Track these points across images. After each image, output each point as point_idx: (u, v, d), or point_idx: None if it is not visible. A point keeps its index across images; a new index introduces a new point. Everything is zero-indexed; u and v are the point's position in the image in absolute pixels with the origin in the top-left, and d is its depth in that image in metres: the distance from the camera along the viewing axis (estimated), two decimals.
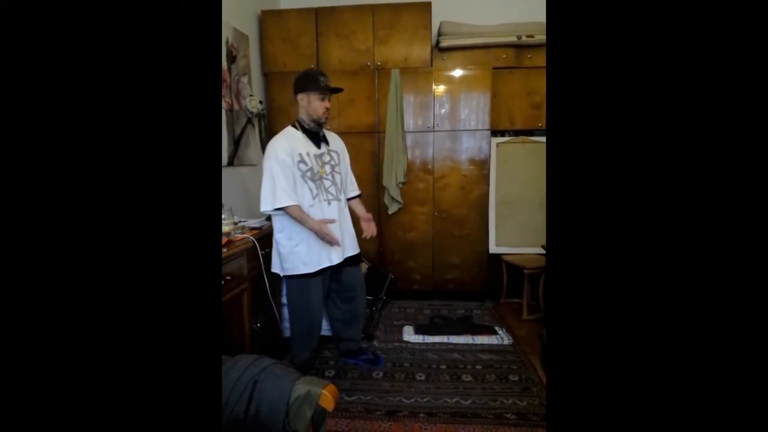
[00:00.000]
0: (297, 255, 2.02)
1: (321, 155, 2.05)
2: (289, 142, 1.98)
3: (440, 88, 3.21)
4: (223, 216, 2.00)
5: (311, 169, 1.99)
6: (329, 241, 2.00)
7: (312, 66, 3.23)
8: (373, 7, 3.17)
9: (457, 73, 3.20)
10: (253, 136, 3.10)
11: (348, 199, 2.22)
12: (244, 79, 2.97)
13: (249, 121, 3.01)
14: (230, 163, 2.75)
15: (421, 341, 2.67)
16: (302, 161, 1.97)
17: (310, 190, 1.99)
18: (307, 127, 2.04)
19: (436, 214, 3.31)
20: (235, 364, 1.27)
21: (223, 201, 1.81)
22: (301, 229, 2.00)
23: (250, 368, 1.26)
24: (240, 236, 2.02)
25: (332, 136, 2.17)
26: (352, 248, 2.18)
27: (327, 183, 2.04)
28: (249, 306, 2.05)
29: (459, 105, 3.22)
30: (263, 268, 2.14)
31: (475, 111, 3.21)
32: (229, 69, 2.76)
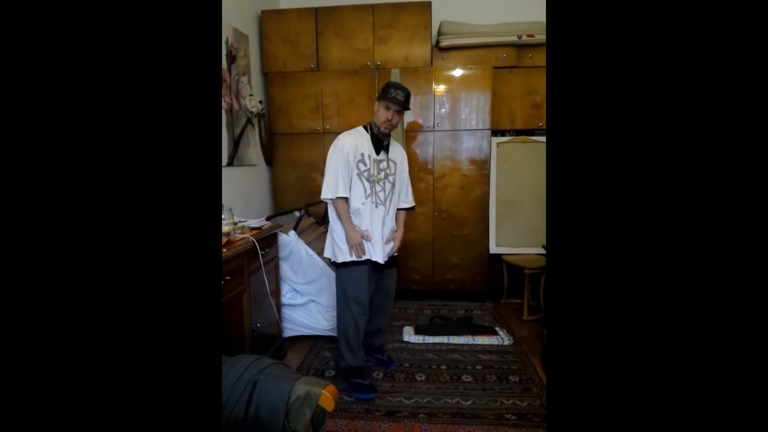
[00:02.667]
0: (342, 242, 2.12)
1: (380, 161, 2.11)
2: (355, 140, 2.08)
3: (440, 88, 3.21)
4: (222, 216, 2.00)
5: (369, 170, 2.07)
6: (355, 251, 2.07)
7: (310, 67, 3.23)
8: (373, 7, 3.17)
9: (458, 72, 3.20)
10: (253, 136, 3.10)
11: (399, 209, 2.24)
12: (244, 79, 2.97)
13: (249, 121, 3.01)
14: (230, 163, 2.75)
15: (421, 341, 2.67)
16: (362, 161, 2.07)
17: (364, 189, 2.07)
18: (375, 131, 2.10)
19: (437, 214, 3.31)
20: (235, 364, 1.27)
21: (223, 201, 1.81)
22: (354, 220, 2.11)
23: (249, 368, 1.26)
24: (240, 236, 2.02)
25: (396, 147, 2.21)
26: (387, 253, 2.18)
27: (378, 188, 2.10)
28: (249, 306, 2.04)
29: (459, 104, 3.21)
30: (263, 268, 2.14)
31: (475, 111, 3.21)
32: (229, 69, 2.76)
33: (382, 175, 2.11)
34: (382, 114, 2.03)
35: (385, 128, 2.05)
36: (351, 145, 2.05)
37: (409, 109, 2.10)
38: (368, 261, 2.10)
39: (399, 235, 2.24)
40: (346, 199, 2.05)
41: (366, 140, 2.09)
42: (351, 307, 2.12)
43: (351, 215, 2.09)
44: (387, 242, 2.16)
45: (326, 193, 2.05)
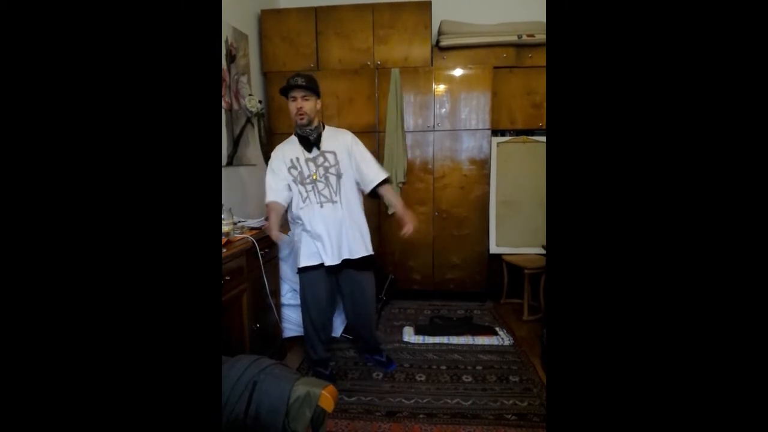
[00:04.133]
0: (300, 249, 2.15)
1: (314, 158, 2.08)
2: (283, 149, 2.12)
3: (440, 88, 3.21)
4: (222, 216, 2.00)
5: (301, 173, 2.06)
6: (271, 233, 2.02)
7: (310, 67, 3.23)
8: (373, 6, 3.17)
9: (458, 72, 3.20)
10: (253, 136, 3.10)
11: (376, 188, 2.14)
12: (244, 79, 2.97)
13: (248, 120, 3.01)
14: (229, 163, 2.75)
15: (421, 342, 2.66)
16: (293, 166, 2.08)
17: (299, 193, 2.08)
18: (299, 132, 2.09)
19: (436, 214, 3.31)
20: (235, 364, 1.27)
21: (223, 201, 1.80)
22: (295, 227, 2.17)
23: (249, 369, 1.25)
24: (239, 236, 2.02)
25: (332, 137, 2.12)
26: (349, 252, 2.12)
27: (321, 185, 2.07)
28: (248, 306, 2.04)
29: (459, 104, 3.21)
30: (263, 268, 2.14)
31: (475, 110, 3.20)
32: (229, 68, 2.75)
33: (321, 171, 2.06)
34: (290, 108, 2.01)
35: (300, 119, 2.00)
36: (279, 156, 2.10)
37: (310, 88, 1.98)
38: (321, 264, 2.10)
39: (401, 210, 2.14)
40: (275, 203, 2.07)
41: (294, 145, 2.10)
42: (309, 309, 2.18)
43: (294, 221, 2.16)
44: (402, 231, 2.10)
45: (267, 198, 2.09)
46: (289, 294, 2.61)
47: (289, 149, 2.10)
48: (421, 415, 1.92)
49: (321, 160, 2.07)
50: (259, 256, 2.10)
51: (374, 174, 2.13)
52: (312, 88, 2.00)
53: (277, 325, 2.42)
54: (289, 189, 2.09)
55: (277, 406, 1.17)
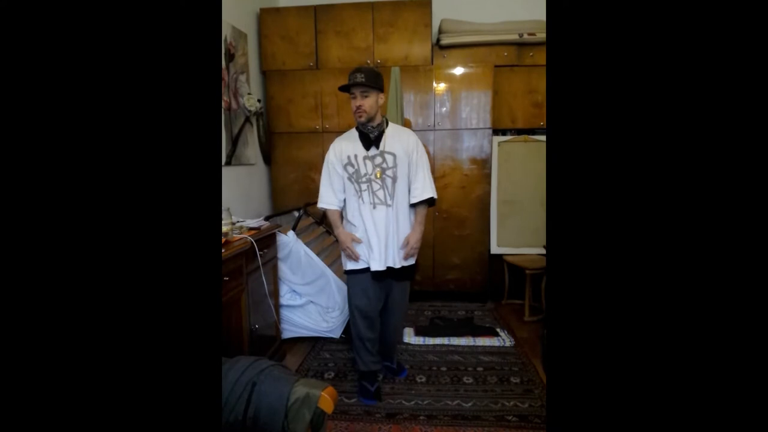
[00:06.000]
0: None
1: (372, 157, 1.95)
2: (341, 144, 2.00)
3: (441, 87, 3.19)
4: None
5: (357, 171, 1.95)
6: (347, 255, 2.01)
7: (309, 65, 3.21)
8: (373, 5, 3.16)
9: (458, 71, 3.18)
10: (252, 135, 3.08)
11: (412, 204, 2.02)
12: (243, 78, 2.95)
13: (247, 119, 2.99)
14: (228, 163, 2.73)
15: (421, 343, 2.64)
16: (350, 163, 1.96)
17: (355, 192, 1.97)
18: (360, 128, 1.98)
19: (437, 213, 3.29)
20: (234, 365, 1.26)
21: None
22: (349, 228, 2.03)
23: (248, 370, 1.24)
24: (238, 236, 2.00)
25: (396, 138, 1.98)
26: (393, 260, 1.99)
27: (376, 186, 1.94)
28: (247, 307, 2.02)
29: (460, 103, 3.20)
30: (262, 268, 2.12)
31: (476, 109, 3.19)
32: (228, 67, 2.74)
33: (377, 171, 1.94)
34: (351, 105, 1.92)
35: (358, 117, 1.90)
36: (336, 150, 1.99)
37: (372, 86, 1.86)
38: (368, 269, 1.98)
39: (412, 236, 2.00)
40: (334, 210, 2.03)
41: (353, 140, 1.98)
42: (355, 315, 2.06)
43: (349, 221, 2.02)
44: (402, 246, 2.00)
45: (319, 203, 2.05)
46: (288, 295, 2.59)
47: (347, 145, 1.98)
48: (421, 417, 1.90)
49: (379, 160, 1.94)
50: (258, 256, 2.08)
51: (421, 189, 2.00)
52: (372, 84, 1.86)
53: (276, 326, 2.40)
54: (344, 190, 2.00)
55: (276, 408, 1.16)
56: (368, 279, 2.00)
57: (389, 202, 1.95)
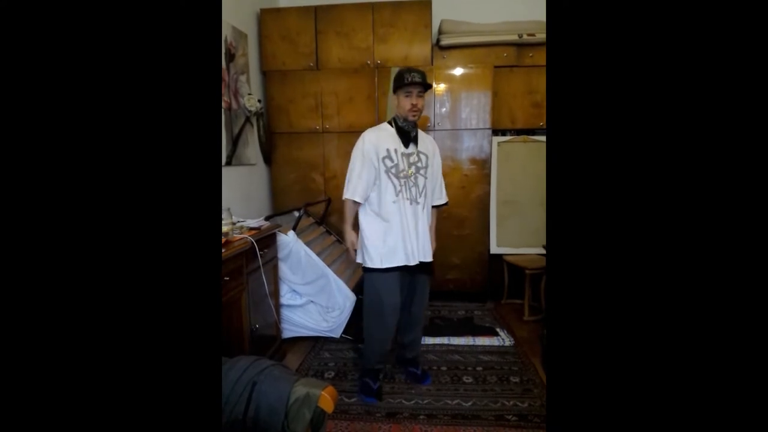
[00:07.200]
0: (375, 248, 1.99)
1: (409, 155, 1.99)
2: (378, 136, 1.99)
3: (441, 87, 3.19)
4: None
5: (396, 165, 1.96)
6: (350, 252, 2.06)
7: (309, 66, 3.21)
8: (373, 5, 3.16)
9: (458, 71, 3.18)
10: (252, 136, 3.08)
11: (433, 206, 2.13)
12: (243, 78, 2.95)
13: (247, 120, 2.99)
14: (228, 163, 2.73)
15: (421, 343, 2.64)
16: (388, 157, 1.96)
17: (394, 186, 1.96)
18: (400, 124, 2.00)
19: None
20: (234, 365, 1.26)
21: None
22: (379, 222, 1.99)
23: (249, 369, 1.24)
24: (238, 236, 2.00)
25: (426, 139, 2.09)
26: (424, 255, 2.05)
27: (410, 183, 1.99)
28: (247, 307, 2.02)
29: (460, 104, 3.20)
30: (262, 268, 2.12)
31: (475, 110, 3.19)
32: (228, 67, 2.74)
33: (413, 169, 1.99)
34: (404, 103, 1.94)
35: (413, 116, 1.94)
36: (374, 142, 1.96)
37: (426, 85, 1.93)
38: (402, 267, 1.99)
39: (431, 235, 2.10)
40: (358, 204, 2.00)
41: (391, 135, 1.99)
42: (386, 314, 2.01)
43: (382, 216, 1.99)
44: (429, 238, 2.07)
45: (345, 193, 2.00)
46: (288, 295, 2.60)
47: (386, 139, 1.98)
48: (421, 416, 1.90)
49: (415, 158, 2.00)
50: (258, 256, 2.08)
51: (439, 193, 2.14)
52: (427, 86, 1.95)
53: (276, 326, 2.41)
54: (375, 183, 1.98)
55: (277, 407, 1.16)
56: (398, 276, 2.01)
57: (419, 199, 2.01)
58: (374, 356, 2.09)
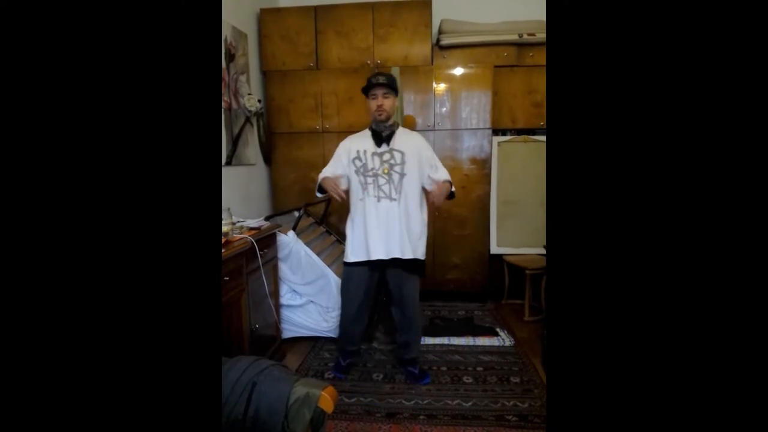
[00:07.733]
0: (347, 243, 2.18)
1: (381, 154, 2.09)
2: (351, 140, 2.18)
3: (441, 87, 3.19)
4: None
5: (364, 165, 2.09)
6: (333, 193, 2.04)
7: (309, 66, 3.21)
8: (373, 5, 3.15)
9: (458, 71, 3.18)
10: (252, 136, 3.08)
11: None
12: (243, 78, 2.95)
13: (247, 120, 2.99)
14: (228, 163, 2.73)
15: (421, 343, 2.64)
16: (357, 158, 2.11)
17: (361, 184, 2.09)
18: (373, 126, 2.15)
19: (437, 213, 3.28)
20: (234, 365, 1.26)
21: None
22: (351, 219, 2.17)
23: (248, 370, 1.24)
24: (238, 236, 2.00)
25: (405, 137, 2.15)
26: (400, 251, 2.08)
27: (382, 181, 2.07)
28: (247, 307, 2.02)
29: (460, 103, 3.20)
30: (262, 268, 2.12)
31: (476, 109, 3.19)
32: (228, 67, 2.74)
33: (386, 166, 2.08)
34: (371, 105, 2.09)
35: (379, 115, 2.06)
36: (346, 146, 2.16)
37: (390, 86, 2.06)
38: (366, 263, 2.12)
39: (436, 188, 2.08)
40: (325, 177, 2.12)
41: (366, 137, 2.15)
42: (346, 303, 2.24)
43: (352, 214, 2.18)
44: (414, 236, 2.11)
45: (319, 177, 2.15)
46: (288, 294, 2.59)
47: (359, 141, 2.15)
48: (421, 417, 1.90)
49: (388, 156, 2.09)
50: (258, 256, 2.08)
51: (439, 175, 2.18)
52: (392, 87, 2.08)
53: (276, 326, 2.40)
54: (345, 178, 2.15)
55: (277, 407, 1.16)
56: (364, 271, 2.14)
57: (395, 196, 2.08)
58: (341, 338, 2.32)
